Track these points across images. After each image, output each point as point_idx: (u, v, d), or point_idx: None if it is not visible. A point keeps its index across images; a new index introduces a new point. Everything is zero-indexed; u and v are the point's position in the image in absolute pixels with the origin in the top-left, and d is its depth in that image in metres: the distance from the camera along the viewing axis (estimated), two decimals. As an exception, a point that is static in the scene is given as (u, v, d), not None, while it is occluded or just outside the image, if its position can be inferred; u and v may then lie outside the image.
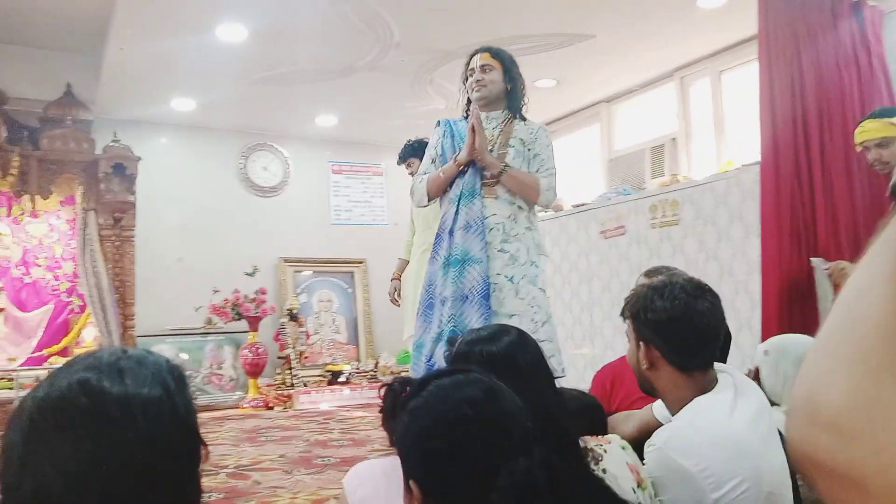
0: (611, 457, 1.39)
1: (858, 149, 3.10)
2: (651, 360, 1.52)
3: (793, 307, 3.34)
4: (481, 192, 2.64)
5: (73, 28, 5.08)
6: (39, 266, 5.60)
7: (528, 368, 1.30)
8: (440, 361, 2.36)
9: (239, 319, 6.12)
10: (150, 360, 0.78)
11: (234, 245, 6.52)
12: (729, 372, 1.53)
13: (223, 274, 6.33)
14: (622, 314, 1.63)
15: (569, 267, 5.15)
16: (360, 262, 7.09)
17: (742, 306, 3.82)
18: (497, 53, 2.76)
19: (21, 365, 5.21)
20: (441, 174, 2.69)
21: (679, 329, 1.48)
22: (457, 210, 2.63)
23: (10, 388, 4.51)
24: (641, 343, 1.54)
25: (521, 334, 1.39)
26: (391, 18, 4.48)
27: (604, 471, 1.33)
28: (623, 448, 1.46)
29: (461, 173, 2.66)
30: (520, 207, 2.72)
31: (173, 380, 0.78)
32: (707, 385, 1.48)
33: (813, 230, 3.45)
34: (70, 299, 5.60)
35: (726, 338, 1.80)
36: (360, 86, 5.60)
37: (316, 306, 6.89)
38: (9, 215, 5.51)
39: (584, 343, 4.94)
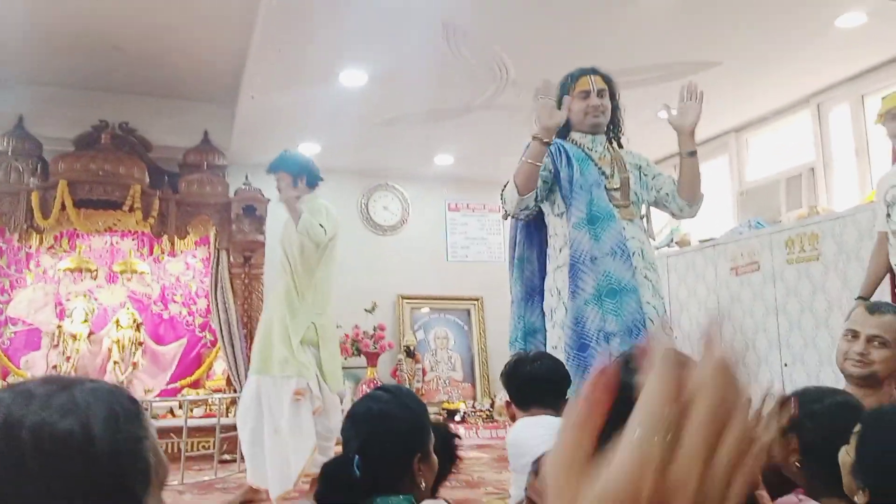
0: None
1: (880, 121, 3.03)
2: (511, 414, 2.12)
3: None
4: (616, 213, 2.48)
5: (209, 80, 5.44)
6: (176, 302, 5.95)
7: None
8: None
9: (358, 355, 6.22)
10: (84, 390, 0.72)
11: (354, 282, 6.67)
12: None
13: (344, 310, 6.45)
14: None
15: (697, 306, 4.87)
16: (477, 300, 7.05)
17: None
18: (608, 78, 2.68)
19: (156, 396, 5.52)
20: (527, 160, 2.46)
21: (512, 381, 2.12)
22: (594, 234, 2.40)
23: (147, 418, 4.75)
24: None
25: None
26: (507, 56, 4.48)
27: None
28: None
29: (586, 192, 2.46)
30: (646, 233, 2.59)
31: (107, 415, 0.71)
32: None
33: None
34: (202, 334, 5.90)
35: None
36: (477, 124, 5.62)
37: (433, 343, 6.89)
38: (150, 255, 5.91)
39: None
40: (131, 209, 5.35)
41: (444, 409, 6.25)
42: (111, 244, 5.90)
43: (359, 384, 6.26)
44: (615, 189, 2.57)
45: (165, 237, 5.65)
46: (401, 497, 1.36)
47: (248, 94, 5.01)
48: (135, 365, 5.72)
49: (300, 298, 3.81)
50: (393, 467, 1.38)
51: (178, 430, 4.73)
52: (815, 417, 1.47)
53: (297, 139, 6.00)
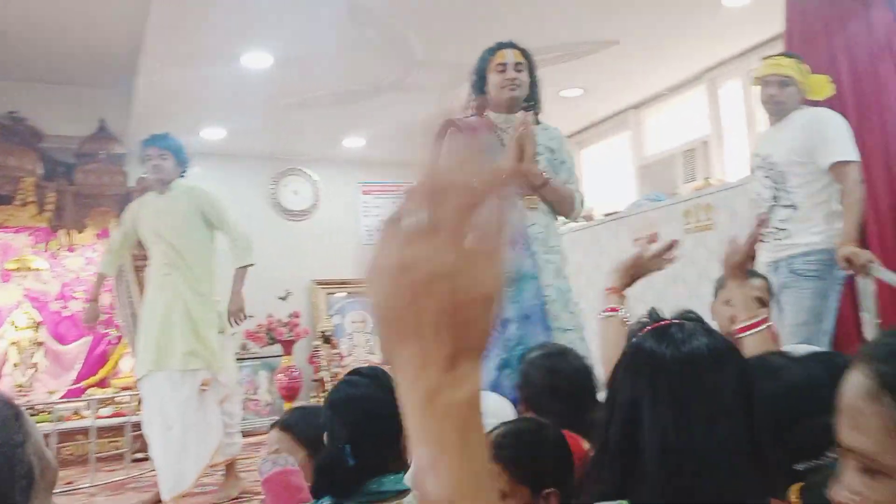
0: None
1: (757, 83, 3.11)
2: None
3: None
4: (518, 203, 2.50)
5: (104, 64, 5.19)
6: (77, 299, 5.69)
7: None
8: (505, 392, 2.05)
9: (273, 344, 6.14)
10: None
11: (266, 270, 6.52)
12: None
13: (257, 299, 6.32)
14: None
15: (601, 277, 5.05)
16: (393, 282, 7.07)
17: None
18: (525, 52, 2.64)
19: (61, 398, 5.27)
20: None
21: None
22: None
23: (50, 421, 4.55)
24: None
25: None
26: (413, 37, 4.48)
27: None
28: None
29: None
30: (554, 218, 2.64)
31: None
32: None
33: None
34: (107, 330, 5.67)
35: None
36: (386, 106, 5.60)
37: (349, 327, 6.87)
38: (46, 250, 5.61)
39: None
40: (24, 203, 5.07)
41: (364, 392, 6.26)
42: (3, 241, 5.57)
43: (274, 373, 6.19)
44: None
45: (63, 231, 5.38)
46: (392, 477, 1.37)
47: (144, 78, 4.81)
48: (35, 367, 5.45)
49: (207, 286, 3.70)
50: (383, 449, 1.38)
51: (86, 431, 4.56)
52: None
53: (200, 124, 5.82)
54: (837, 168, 2.89)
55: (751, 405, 0.93)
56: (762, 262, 3.07)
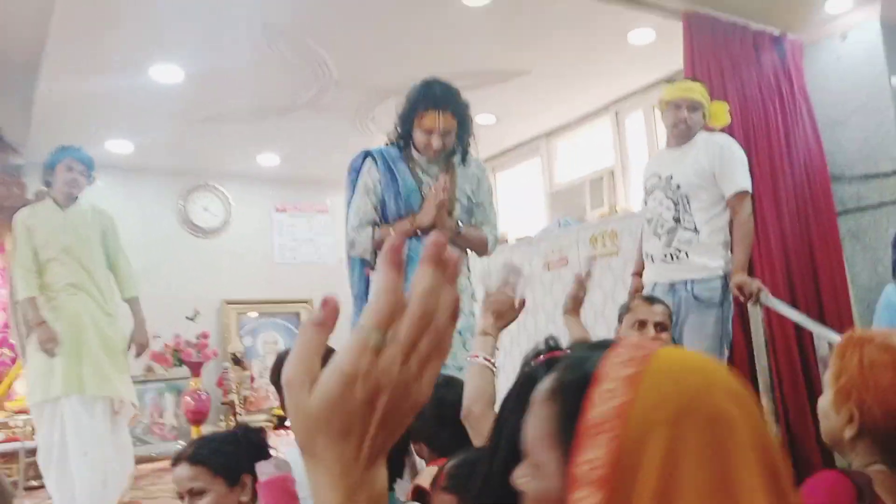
0: None
1: (665, 107, 3.19)
2: None
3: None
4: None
5: (2, 69, 4.94)
6: (-32, 316, 5.35)
7: None
8: None
9: (180, 366, 5.94)
10: None
11: (174, 288, 6.34)
12: None
13: (163, 319, 6.12)
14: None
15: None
16: (307, 302, 6.98)
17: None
18: (456, 109, 2.56)
19: (-53, 421, 4.93)
20: (394, 232, 2.48)
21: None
22: (407, 277, 2.49)
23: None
24: None
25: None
26: (328, 56, 4.49)
27: None
28: None
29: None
30: (466, 255, 2.71)
31: None
32: None
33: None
34: (0, 350, 5.35)
35: None
36: (301, 124, 5.58)
37: (262, 349, 6.73)
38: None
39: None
40: (-89, 214, 4.75)
41: (274, 415, 6.12)
42: None
43: (181, 395, 5.98)
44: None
45: (-49, 245, 5.07)
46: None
47: (45, 85, 4.61)
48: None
49: (113, 306, 3.59)
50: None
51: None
52: None
53: (105, 136, 5.61)
54: (737, 197, 3.02)
55: None
56: (653, 282, 3.18)
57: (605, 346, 0.66)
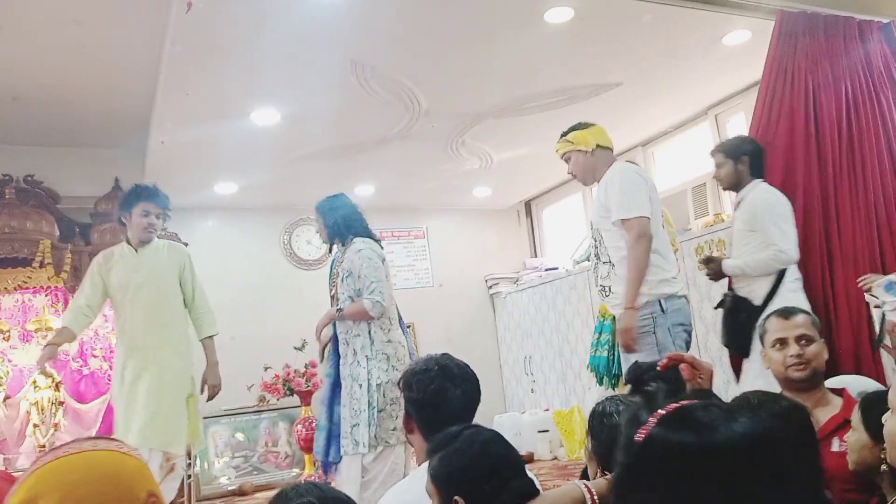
0: None
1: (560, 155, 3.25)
2: (409, 428, 1.83)
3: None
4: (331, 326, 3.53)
5: (117, 125, 5.31)
6: (96, 357, 5.72)
7: None
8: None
9: (291, 395, 6.12)
10: None
11: (282, 320, 6.57)
12: None
13: (274, 350, 6.36)
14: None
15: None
16: (409, 326, 7.05)
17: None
18: (318, 220, 3.67)
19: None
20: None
21: (428, 413, 1.78)
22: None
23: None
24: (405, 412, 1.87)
25: None
26: (417, 88, 4.55)
27: None
28: None
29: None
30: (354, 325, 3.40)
31: None
32: None
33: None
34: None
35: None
36: (394, 154, 5.67)
37: (368, 375, 6.83)
38: (65, 310, 5.67)
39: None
40: (42, 265, 5.15)
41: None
42: (22, 302, 5.64)
43: (294, 424, 6.16)
44: (331, 297, 3.51)
45: (79, 291, 5.43)
46: None
47: (157, 138, 4.91)
48: (56, 426, 5.45)
49: (186, 347, 3.54)
50: None
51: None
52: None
53: (212, 180, 5.91)
54: (625, 226, 2.90)
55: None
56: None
57: None
